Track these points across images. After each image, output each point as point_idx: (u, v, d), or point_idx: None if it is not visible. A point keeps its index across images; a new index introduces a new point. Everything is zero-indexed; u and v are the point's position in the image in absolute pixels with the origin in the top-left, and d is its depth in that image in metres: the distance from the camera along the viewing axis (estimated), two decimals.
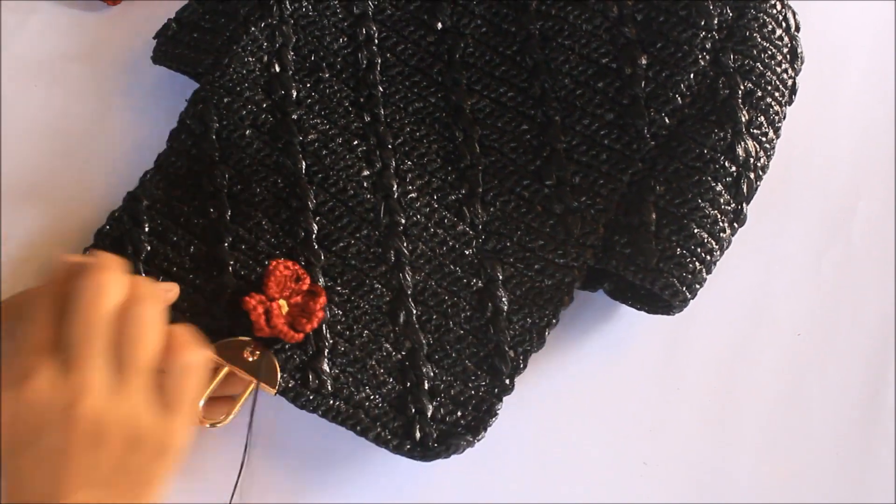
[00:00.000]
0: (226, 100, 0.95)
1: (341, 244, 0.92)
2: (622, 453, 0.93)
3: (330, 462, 0.90)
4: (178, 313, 0.88)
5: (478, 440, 0.88)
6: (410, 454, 0.87)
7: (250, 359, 0.87)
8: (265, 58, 0.97)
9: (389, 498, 0.89)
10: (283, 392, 0.87)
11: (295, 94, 0.97)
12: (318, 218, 0.93)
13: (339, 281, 0.92)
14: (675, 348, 0.97)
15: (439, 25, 1.00)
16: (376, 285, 0.92)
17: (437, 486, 0.90)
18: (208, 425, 0.86)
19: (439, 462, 0.87)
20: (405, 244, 0.93)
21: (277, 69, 0.97)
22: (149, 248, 0.91)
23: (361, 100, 0.98)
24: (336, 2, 1.00)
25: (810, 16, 1.00)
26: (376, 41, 1.00)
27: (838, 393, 0.97)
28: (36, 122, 1.00)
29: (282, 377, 0.87)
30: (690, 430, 0.95)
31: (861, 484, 0.94)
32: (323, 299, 0.89)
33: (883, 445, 0.96)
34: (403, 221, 0.93)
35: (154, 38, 1.00)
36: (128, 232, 0.92)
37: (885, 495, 0.94)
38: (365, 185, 0.94)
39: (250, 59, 0.97)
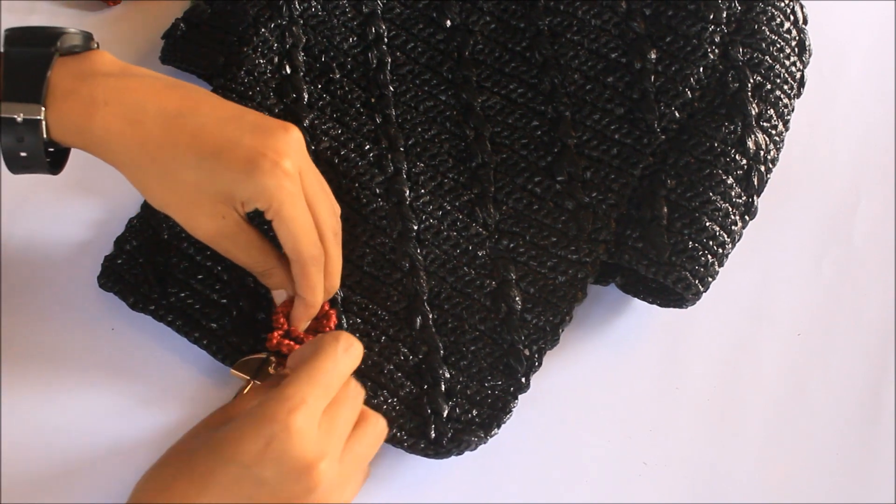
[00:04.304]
0: None
1: (357, 253, 0.92)
2: (622, 453, 0.93)
3: None
4: (199, 327, 0.90)
5: (491, 436, 0.88)
6: (424, 453, 0.87)
7: (273, 374, 0.88)
8: (276, 59, 0.97)
9: (394, 496, 0.89)
10: None
11: (307, 97, 0.97)
12: None
13: (356, 290, 0.92)
14: (674, 348, 0.97)
15: (448, 23, 1.01)
16: (392, 292, 0.92)
17: (434, 485, 0.90)
18: None
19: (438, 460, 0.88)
20: (419, 250, 0.93)
21: (289, 70, 0.97)
22: (166, 256, 0.92)
23: (373, 100, 0.98)
24: (345, 1, 1.00)
25: (810, 15, 1.01)
26: (386, 40, 1.00)
27: (839, 393, 0.97)
28: None
29: None
30: (690, 430, 0.95)
31: (861, 484, 0.94)
32: (333, 321, 0.90)
33: (883, 445, 0.96)
34: (416, 227, 0.94)
35: (162, 38, 0.99)
36: (146, 240, 0.92)
37: (885, 495, 0.94)
38: (378, 191, 0.94)
39: (261, 60, 0.96)
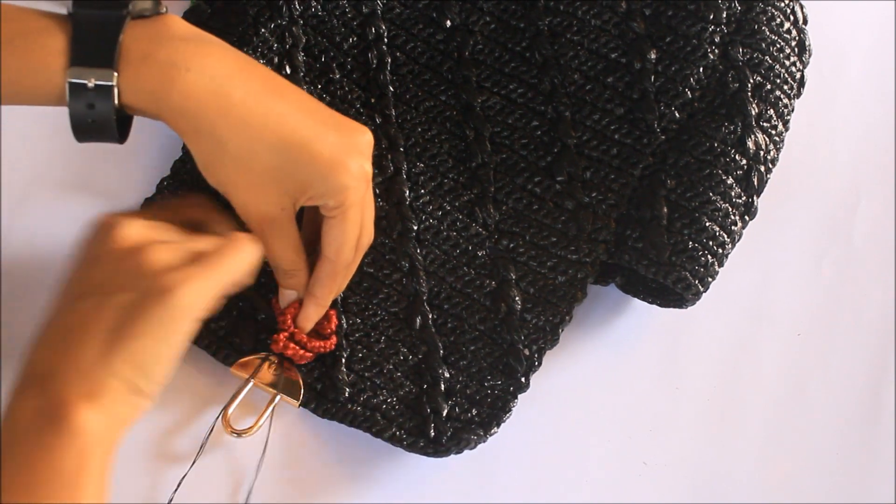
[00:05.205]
0: None
1: None
2: (622, 453, 0.93)
3: (338, 461, 0.90)
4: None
5: (490, 435, 0.88)
6: (423, 451, 0.87)
7: (273, 373, 0.88)
8: (276, 59, 0.97)
9: (393, 496, 0.89)
10: (304, 404, 0.88)
11: None
12: None
13: (355, 290, 0.92)
14: (674, 348, 0.98)
15: (448, 23, 1.00)
16: (392, 292, 0.92)
17: (433, 484, 0.90)
18: (234, 436, 0.87)
19: (435, 459, 0.88)
20: (419, 250, 0.93)
21: (289, 71, 0.97)
22: None
23: (373, 100, 0.98)
24: (345, 1, 1.00)
25: (810, 15, 1.01)
26: (386, 40, 1.00)
27: (839, 393, 0.98)
28: (39, 124, 0.98)
29: (303, 389, 0.88)
30: (690, 430, 0.95)
31: (861, 484, 0.95)
32: (334, 322, 0.90)
33: (883, 445, 0.96)
34: (416, 227, 0.94)
35: None
36: None
37: (885, 495, 0.94)
38: (377, 191, 0.94)
39: (261, 61, 0.96)
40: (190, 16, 0.99)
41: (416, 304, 0.91)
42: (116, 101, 0.75)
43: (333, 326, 0.89)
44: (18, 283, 0.93)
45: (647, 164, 0.95)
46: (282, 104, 0.78)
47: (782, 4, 0.98)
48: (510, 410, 0.89)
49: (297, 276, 0.86)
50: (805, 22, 0.99)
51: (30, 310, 0.91)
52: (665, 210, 0.92)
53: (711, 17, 0.96)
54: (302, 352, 0.87)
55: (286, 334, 0.87)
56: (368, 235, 0.85)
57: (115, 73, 0.74)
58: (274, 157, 0.77)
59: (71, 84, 0.74)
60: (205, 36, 0.79)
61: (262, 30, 0.96)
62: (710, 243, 0.91)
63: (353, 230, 0.82)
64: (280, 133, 0.77)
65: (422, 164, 0.96)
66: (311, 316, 0.87)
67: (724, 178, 0.92)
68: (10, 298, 0.92)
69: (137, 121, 0.88)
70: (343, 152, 0.78)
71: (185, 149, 0.94)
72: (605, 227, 0.93)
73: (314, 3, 0.99)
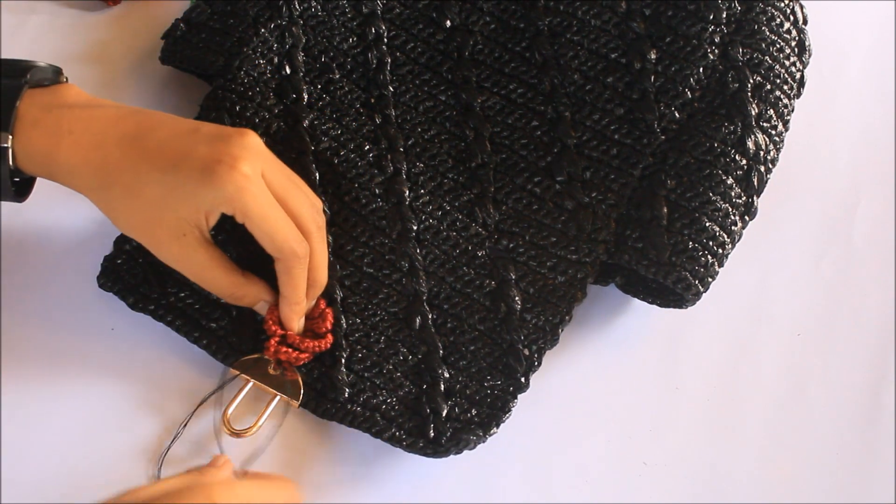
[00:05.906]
0: (238, 107, 0.94)
1: (356, 254, 0.92)
2: (622, 453, 0.93)
3: (338, 461, 0.90)
4: (199, 327, 0.90)
5: (490, 435, 0.88)
6: (423, 452, 0.87)
7: (273, 374, 0.88)
8: (276, 59, 0.97)
9: (393, 496, 0.89)
10: (304, 404, 0.88)
11: (306, 97, 0.97)
12: (333, 228, 0.93)
13: (355, 290, 0.92)
14: (674, 348, 0.97)
15: (448, 23, 1.00)
16: (392, 292, 0.92)
17: (432, 485, 0.90)
18: (234, 436, 0.87)
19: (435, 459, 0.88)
20: (418, 250, 0.93)
21: (288, 71, 0.97)
22: None
23: (372, 100, 0.98)
24: (345, 1, 1.00)
25: (810, 15, 1.01)
26: (385, 40, 1.00)
27: (839, 393, 0.97)
28: None
29: (303, 389, 0.88)
30: (690, 430, 0.94)
31: (861, 484, 0.94)
32: (330, 320, 0.90)
33: (883, 445, 0.95)
34: (416, 227, 0.94)
35: (162, 38, 0.99)
36: None
37: (885, 495, 0.94)
38: (377, 191, 0.94)
39: (261, 60, 0.97)
40: (190, 15, 0.99)
41: (416, 304, 0.91)
42: (11, 163, 0.81)
43: (329, 325, 0.89)
44: (18, 283, 0.93)
45: (647, 164, 0.95)
46: (154, 137, 0.82)
47: (782, 4, 0.98)
48: (510, 410, 0.89)
49: (244, 293, 0.88)
50: (805, 22, 0.99)
51: (30, 310, 0.92)
52: (665, 210, 0.92)
53: (711, 17, 0.96)
54: (296, 354, 0.87)
55: (276, 339, 0.87)
56: (311, 218, 0.86)
57: (10, 136, 0.80)
58: (155, 188, 0.80)
59: None
60: (94, 101, 0.84)
61: (262, 30, 0.97)
62: (710, 243, 0.91)
63: (271, 223, 0.82)
64: (153, 164, 0.80)
65: (422, 164, 0.96)
66: (289, 316, 0.88)
67: (724, 178, 0.92)
68: (10, 298, 0.92)
69: None
70: (212, 161, 0.80)
71: None
72: (605, 227, 0.93)
73: (314, 3, 0.99)
